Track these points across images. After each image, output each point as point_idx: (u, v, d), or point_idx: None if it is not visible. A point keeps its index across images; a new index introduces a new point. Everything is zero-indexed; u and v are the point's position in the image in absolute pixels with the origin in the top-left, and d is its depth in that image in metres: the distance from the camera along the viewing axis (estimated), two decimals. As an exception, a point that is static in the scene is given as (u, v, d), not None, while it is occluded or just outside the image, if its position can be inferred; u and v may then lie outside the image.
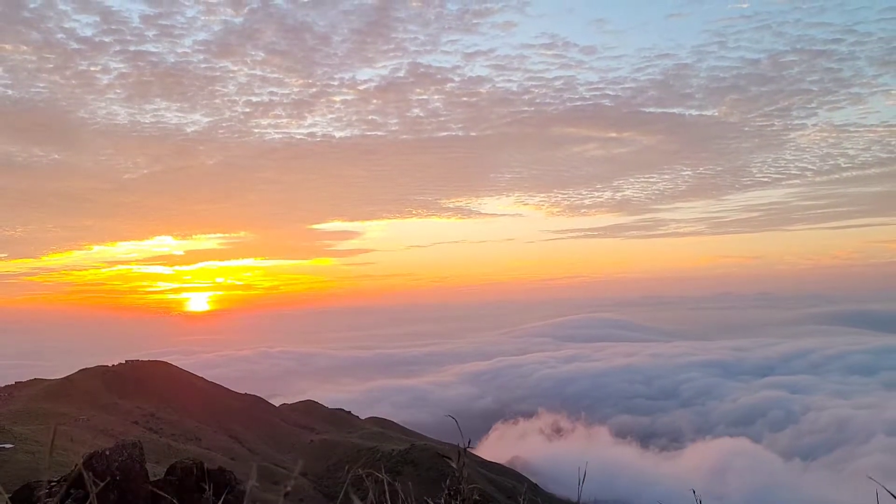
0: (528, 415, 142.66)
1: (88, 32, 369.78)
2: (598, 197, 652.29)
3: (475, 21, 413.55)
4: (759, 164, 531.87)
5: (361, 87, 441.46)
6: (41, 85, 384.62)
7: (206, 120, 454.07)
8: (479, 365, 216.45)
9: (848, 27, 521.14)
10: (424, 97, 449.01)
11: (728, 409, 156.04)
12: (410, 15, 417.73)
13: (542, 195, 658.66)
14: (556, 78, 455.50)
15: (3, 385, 69.04)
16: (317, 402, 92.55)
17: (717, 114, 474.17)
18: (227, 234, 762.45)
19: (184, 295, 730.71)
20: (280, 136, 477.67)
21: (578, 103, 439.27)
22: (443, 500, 3.16)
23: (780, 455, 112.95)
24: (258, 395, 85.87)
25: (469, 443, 3.18)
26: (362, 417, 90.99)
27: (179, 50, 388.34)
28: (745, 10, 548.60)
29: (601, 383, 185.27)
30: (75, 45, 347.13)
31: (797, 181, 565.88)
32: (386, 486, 2.77)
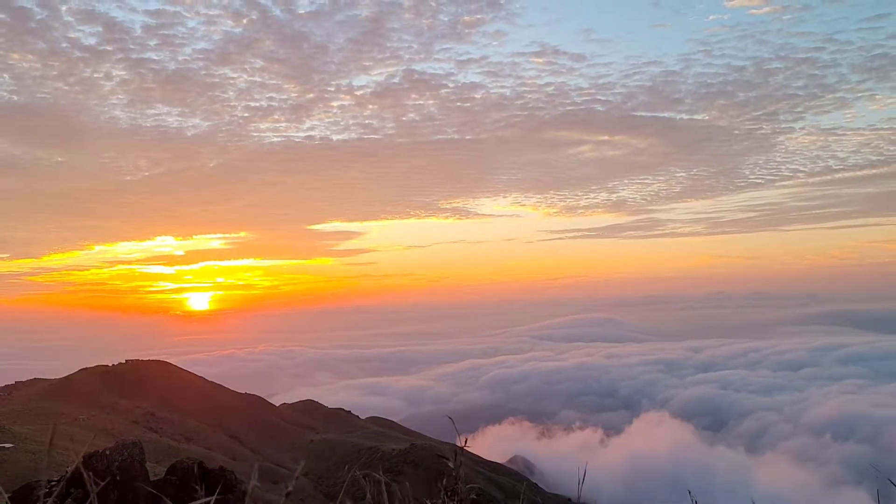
0: (470, 409, 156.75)
1: (92, 41, 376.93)
2: (593, 198, 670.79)
3: (467, 31, 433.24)
4: (751, 166, 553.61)
5: (358, 93, 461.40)
6: (45, 91, 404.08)
7: (207, 124, 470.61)
8: (452, 366, 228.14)
9: (828, 36, 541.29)
10: (420, 102, 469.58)
11: (662, 406, 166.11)
12: (404, 25, 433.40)
13: (539, 196, 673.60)
14: (547, 84, 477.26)
15: (2, 384, 69.06)
16: (317, 402, 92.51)
17: (706, 118, 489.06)
18: (227, 235, 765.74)
19: (184, 295, 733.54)
20: (279, 138, 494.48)
21: (570, 108, 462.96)
22: (440, 500, 3.19)
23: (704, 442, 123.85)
24: (257, 394, 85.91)
25: (465, 442, 3.20)
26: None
27: (180, 58, 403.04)
28: (726, 20, 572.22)
29: (551, 381, 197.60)
30: (79, 54, 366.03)
31: (791, 182, 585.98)
32: (384, 487, 2.79)
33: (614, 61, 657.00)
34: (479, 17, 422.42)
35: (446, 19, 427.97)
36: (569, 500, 63.09)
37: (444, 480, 3.19)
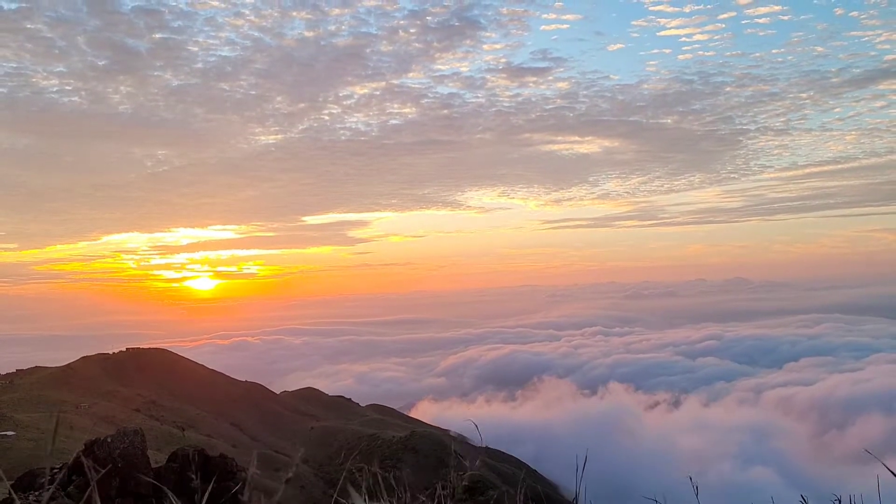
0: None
1: (103, 62, 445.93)
2: (576, 191, 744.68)
3: (438, 54, 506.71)
4: (722, 162, 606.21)
5: (345, 103, 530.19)
6: (62, 104, 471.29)
7: (206, 128, 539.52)
8: (452, 354, 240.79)
9: (760, 56, 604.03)
10: (403, 110, 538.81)
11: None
12: (382, 50, 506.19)
13: (525, 190, 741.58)
14: (516, 95, 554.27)
15: (4, 373, 69.18)
16: (317, 390, 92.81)
17: (670, 122, 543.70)
18: (228, 226, 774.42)
19: (187, 283, 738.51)
20: (274, 140, 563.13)
21: (541, 113, 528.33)
22: (437, 489, 3.22)
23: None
24: (258, 381, 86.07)
25: (482, 440, 3.23)
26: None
27: (182, 75, 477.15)
28: (663, 44, 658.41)
29: (480, 365, 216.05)
30: (92, 73, 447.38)
31: (764, 176, 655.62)
32: (380, 479, 2.83)
33: (573, 76, 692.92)
34: (446, 43, 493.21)
35: (420, 46, 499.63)
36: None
37: (448, 472, 3.22)
